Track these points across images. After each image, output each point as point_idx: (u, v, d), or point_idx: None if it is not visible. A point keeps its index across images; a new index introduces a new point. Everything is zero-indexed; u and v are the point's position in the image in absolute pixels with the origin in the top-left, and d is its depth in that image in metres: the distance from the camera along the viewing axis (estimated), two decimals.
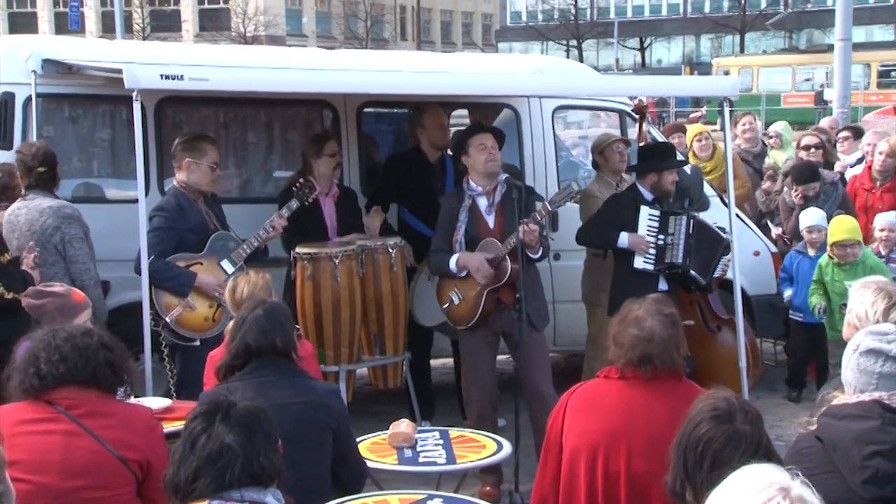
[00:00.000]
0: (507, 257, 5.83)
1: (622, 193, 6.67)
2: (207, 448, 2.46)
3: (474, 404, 6.01)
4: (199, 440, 2.48)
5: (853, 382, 2.86)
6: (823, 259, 7.13)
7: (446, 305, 6.07)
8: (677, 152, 6.91)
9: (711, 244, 6.49)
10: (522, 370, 5.84)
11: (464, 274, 5.96)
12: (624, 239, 6.31)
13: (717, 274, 6.60)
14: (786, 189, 8.27)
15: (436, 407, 7.06)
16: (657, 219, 6.34)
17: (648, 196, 6.43)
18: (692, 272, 6.40)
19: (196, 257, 5.90)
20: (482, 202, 6.02)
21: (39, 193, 5.68)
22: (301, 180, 6.26)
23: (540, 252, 5.93)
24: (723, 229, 6.85)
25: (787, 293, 7.53)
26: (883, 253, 7.19)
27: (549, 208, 5.90)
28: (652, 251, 6.32)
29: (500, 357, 6.34)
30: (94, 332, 3.47)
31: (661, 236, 6.33)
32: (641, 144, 7.08)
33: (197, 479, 2.44)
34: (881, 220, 7.36)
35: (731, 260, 6.60)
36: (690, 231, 6.33)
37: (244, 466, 2.45)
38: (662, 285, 6.32)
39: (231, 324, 4.11)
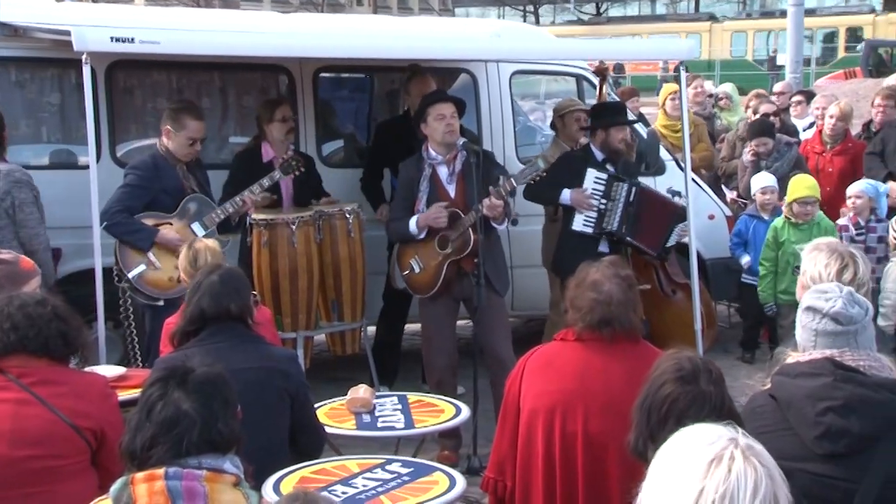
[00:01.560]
0: (470, 228, 5.82)
1: (574, 152, 6.69)
2: (163, 414, 2.43)
3: (435, 371, 6.03)
4: (156, 407, 2.45)
5: (800, 340, 2.92)
6: (778, 221, 7.20)
7: (407, 272, 6.06)
8: (628, 111, 6.91)
9: (660, 215, 6.47)
10: (482, 335, 5.86)
11: (423, 236, 5.95)
12: (566, 195, 6.34)
13: (672, 242, 6.62)
14: (743, 153, 8.34)
15: (398, 373, 7.07)
16: (602, 182, 6.35)
17: (599, 156, 6.45)
18: (629, 239, 6.38)
19: (167, 217, 5.86)
20: (443, 171, 5.99)
21: None
22: (289, 152, 6.27)
23: (505, 222, 5.96)
24: (678, 193, 6.89)
25: (745, 259, 7.57)
26: (862, 223, 7.14)
27: (514, 184, 5.91)
28: (593, 213, 6.33)
29: (458, 322, 6.35)
30: (49, 301, 3.43)
31: (602, 200, 6.34)
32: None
33: (154, 447, 2.41)
34: (852, 188, 7.35)
35: (687, 226, 6.62)
36: (630, 199, 6.32)
37: (202, 433, 2.43)
38: (603, 247, 6.34)
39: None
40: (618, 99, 7.97)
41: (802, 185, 7.10)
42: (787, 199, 7.11)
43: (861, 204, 7.09)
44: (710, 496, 1.76)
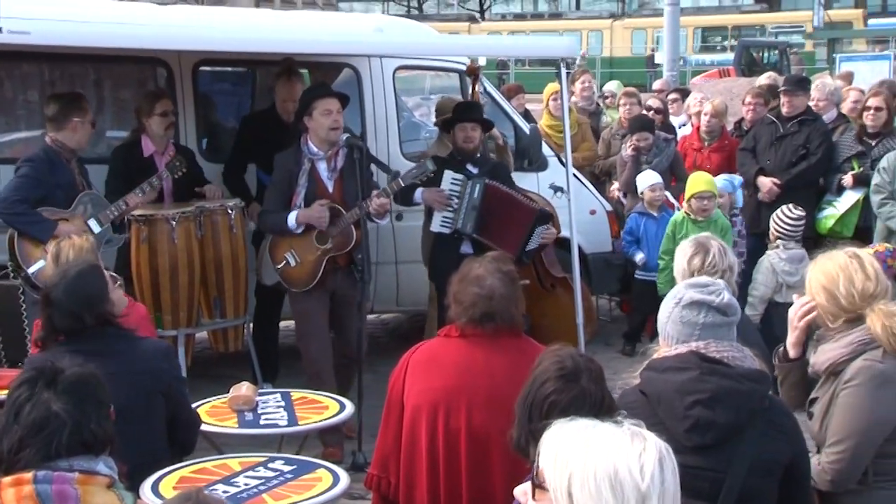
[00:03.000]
0: (353, 225, 5.82)
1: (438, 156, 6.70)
2: (32, 416, 2.36)
3: (312, 363, 5.99)
4: (24, 408, 2.37)
5: (674, 335, 2.95)
6: (678, 216, 7.31)
7: (282, 265, 5.99)
8: (480, 109, 6.82)
9: (517, 216, 6.40)
10: (341, 330, 5.97)
11: (300, 231, 5.90)
12: (418, 194, 6.40)
13: (533, 245, 6.51)
14: (622, 149, 8.51)
15: (279, 370, 7.00)
16: (458, 182, 6.38)
17: (457, 157, 6.50)
18: (483, 239, 6.32)
19: (63, 212, 5.72)
20: (322, 166, 5.95)
21: None
22: (170, 147, 6.21)
23: (386, 218, 6.03)
24: (560, 188, 6.98)
25: (640, 256, 7.69)
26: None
27: (402, 183, 5.96)
28: (450, 213, 6.36)
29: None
30: None
31: (456, 200, 6.37)
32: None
33: (22, 450, 2.33)
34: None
35: (548, 230, 6.57)
36: (475, 196, 6.32)
37: (73, 434, 2.36)
38: (466, 248, 6.38)
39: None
40: (500, 98, 8.04)
41: (701, 181, 7.23)
42: (686, 195, 7.26)
43: (724, 201, 7.34)
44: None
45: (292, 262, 5.97)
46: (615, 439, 1.82)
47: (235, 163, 6.76)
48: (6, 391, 2.64)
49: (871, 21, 39.38)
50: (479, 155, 6.55)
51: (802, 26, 36.78)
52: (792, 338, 3.48)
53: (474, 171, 6.44)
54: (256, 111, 7.28)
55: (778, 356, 3.54)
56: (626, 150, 8.31)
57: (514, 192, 6.48)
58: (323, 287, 5.97)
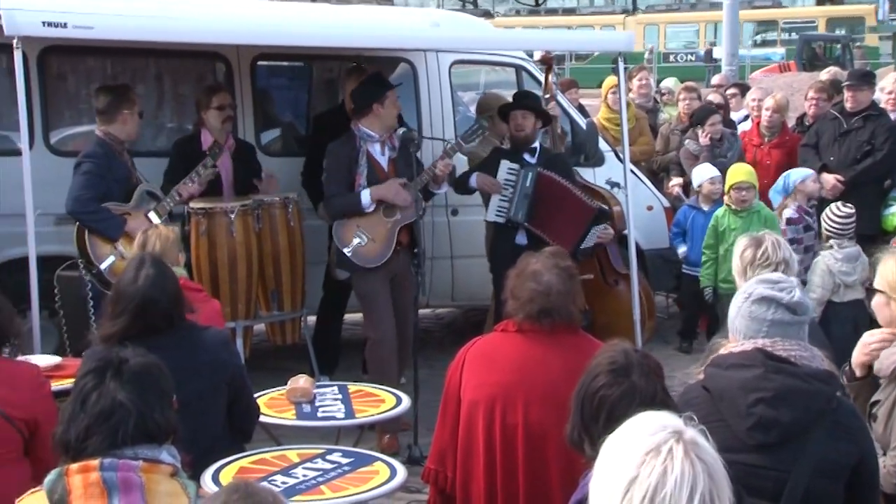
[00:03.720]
0: (420, 194, 5.98)
1: (501, 147, 6.71)
2: (99, 405, 2.39)
3: (383, 345, 5.99)
4: (91, 397, 2.41)
5: (742, 330, 2.91)
6: (720, 211, 7.24)
7: (352, 246, 6.01)
8: (535, 98, 6.75)
9: (574, 212, 6.34)
10: (395, 313, 6.05)
11: (371, 209, 5.96)
12: (473, 180, 6.42)
13: (589, 244, 6.44)
14: (687, 141, 8.39)
15: (339, 363, 7.03)
16: (514, 171, 6.36)
17: (515, 148, 6.50)
18: (536, 230, 6.30)
19: (124, 207, 5.80)
20: (376, 149, 6.08)
21: None
22: (229, 140, 6.28)
23: (444, 186, 6.21)
24: (617, 184, 6.93)
25: (682, 249, 7.65)
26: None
27: (462, 143, 6.14)
28: (505, 203, 6.34)
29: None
30: None
31: (511, 189, 6.35)
32: (546, 97, 7.06)
33: (88, 437, 2.37)
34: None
35: (605, 229, 6.52)
36: (527, 185, 6.29)
37: (137, 424, 2.39)
38: (521, 238, 6.36)
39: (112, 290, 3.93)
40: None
41: (740, 172, 7.18)
42: (726, 186, 7.20)
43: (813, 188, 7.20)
44: (642, 485, 1.74)
45: (364, 240, 6.01)
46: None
47: (311, 163, 6.77)
48: (72, 380, 2.69)
49: None
50: (536, 145, 6.51)
51: (863, 19, 36.04)
52: (859, 358, 3.43)
53: (531, 161, 6.42)
54: (325, 110, 7.33)
55: (846, 375, 3.48)
56: (701, 139, 8.16)
57: (571, 186, 6.41)
58: (387, 268, 6.03)
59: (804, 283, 6.07)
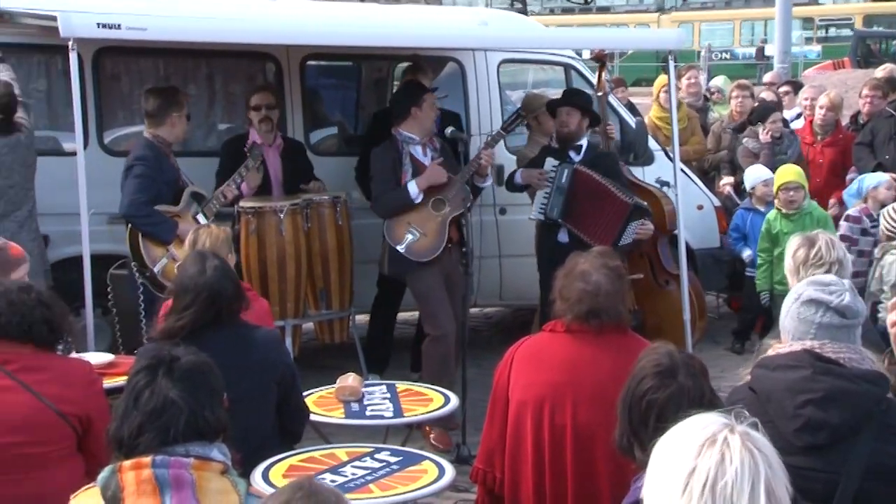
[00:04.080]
0: (467, 186, 6.06)
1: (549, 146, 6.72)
2: (151, 403, 2.42)
3: (437, 342, 5.98)
4: (143, 394, 2.44)
5: (791, 331, 2.89)
6: (771, 213, 7.17)
7: (405, 243, 6.04)
8: (582, 95, 6.65)
9: (610, 208, 6.21)
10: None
11: (420, 199, 6.03)
12: (518, 175, 6.45)
13: (627, 240, 6.29)
14: (746, 139, 8.30)
15: (389, 362, 7.05)
16: (555, 169, 6.32)
17: (559, 146, 6.50)
18: (572, 228, 6.25)
19: (173, 210, 5.85)
20: (417, 150, 6.15)
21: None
22: (277, 139, 6.33)
23: (489, 179, 6.29)
24: (667, 183, 6.88)
25: (747, 253, 7.51)
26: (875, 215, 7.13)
27: (503, 133, 6.25)
28: (544, 200, 6.31)
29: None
30: (33, 288, 3.42)
31: (550, 187, 6.31)
32: (600, 94, 7.03)
33: (141, 434, 2.40)
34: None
35: (643, 224, 6.37)
36: (563, 181, 6.23)
37: (189, 421, 2.41)
38: (562, 237, 6.32)
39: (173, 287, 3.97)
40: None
41: (789, 172, 7.12)
42: (774, 187, 7.12)
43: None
44: (701, 476, 1.71)
45: (417, 236, 6.04)
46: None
47: (365, 157, 6.76)
48: (125, 377, 2.73)
49: None
50: (583, 143, 6.47)
51: None
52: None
53: (576, 158, 6.39)
54: (385, 108, 7.35)
55: (889, 358, 3.42)
56: (762, 137, 8.05)
57: (608, 183, 6.24)
58: (441, 265, 6.06)
59: (861, 286, 5.96)
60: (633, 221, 6.24)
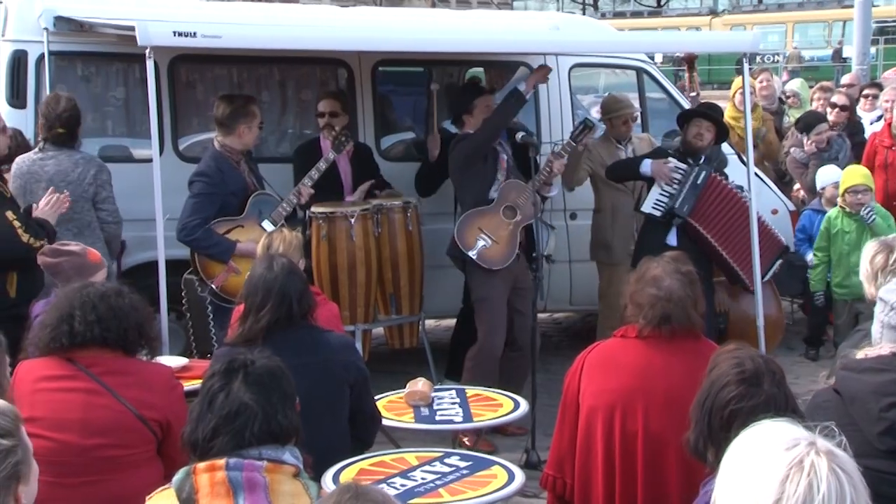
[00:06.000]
0: (537, 195, 6.09)
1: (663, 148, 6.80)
2: (226, 407, 2.45)
3: (485, 354, 5.98)
4: (218, 398, 2.47)
5: (873, 332, 2.86)
6: (833, 212, 7.07)
7: (476, 249, 6.05)
8: (721, 112, 6.99)
9: (739, 218, 6.38)
10: (515, 318, 6.15)
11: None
12: (647, 165, 6.40)
13: (769, 276, 6.63)
14: (793, 149, 8.18)
15: None
16: (682, 171, 6.32)
17: (682, 152, 6.53)
18: (692, 222, 6.31)
19: (237, 220, 5.85)
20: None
21: (60, 148, 5.66)
22: (347, 143, 6.28)
23: (556, 190, 6.39)
24: (741, 187, 6.78)
25: (810, 256, 7.42)
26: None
27: (573, 143, 6.26)
28: (665, 197, 6.29)
29: None
30: (125, 292, 3.44)
31: (676, 186, 6.31)
32: (693, 95, 7.16)
33: (215, 437, 2.43)
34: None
35: (781, 263, 6.70)
36: (699, 181, 6.27)
37: (262, 425, 2.44)
38: (671, 239, 6.29)
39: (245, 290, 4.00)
40: (676, 93, 7.88)
41: (856, 174, 7.03)
42: (840, 189, 7.00)
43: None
44: None
45: (489, 243, 6.05)
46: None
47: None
48: (199, 381, 2.77)
49: None
50: (705, 157, 6.50)
51: None
52: None
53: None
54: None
55: None
56: (807, 148, 7.96)
57: (747, 200, 6.43)
58: (510, 272, 6.06)
59: None
60: (780, 258, 6.65)
